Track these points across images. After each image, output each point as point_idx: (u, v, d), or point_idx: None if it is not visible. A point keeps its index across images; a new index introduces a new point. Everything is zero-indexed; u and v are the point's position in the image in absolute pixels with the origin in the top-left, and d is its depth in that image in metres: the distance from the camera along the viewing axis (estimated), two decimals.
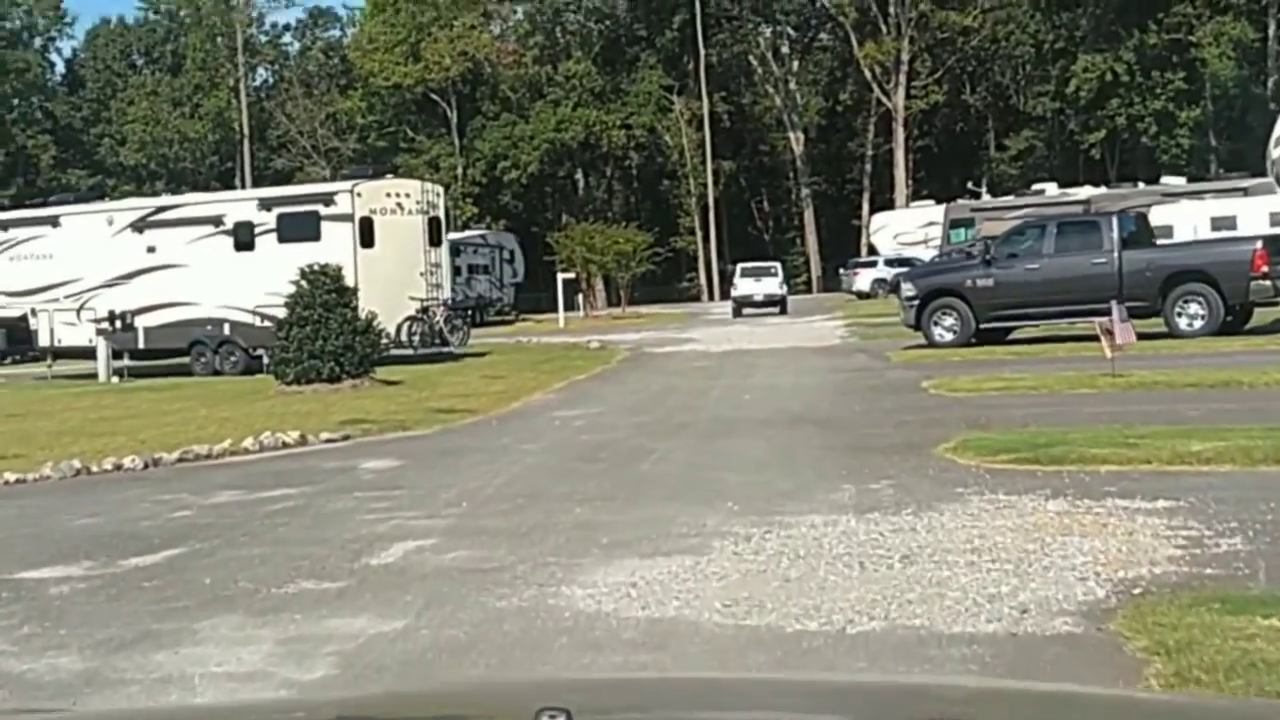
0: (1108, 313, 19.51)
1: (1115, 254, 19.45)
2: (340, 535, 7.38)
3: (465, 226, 57.42)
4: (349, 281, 23.31)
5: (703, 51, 75.29)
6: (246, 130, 72.52)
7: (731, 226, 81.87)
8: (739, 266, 46.68)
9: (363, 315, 19.26)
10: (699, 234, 77.66)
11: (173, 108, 73.50)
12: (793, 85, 78.70)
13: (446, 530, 7.40)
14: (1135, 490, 7.60)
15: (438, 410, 14.96)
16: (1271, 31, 56.35)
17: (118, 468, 10.81)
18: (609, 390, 17.14)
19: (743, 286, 44.26)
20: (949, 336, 20.32)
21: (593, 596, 5.69)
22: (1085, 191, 48.01)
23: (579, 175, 79.30)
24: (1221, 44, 55.02)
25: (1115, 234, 19.63)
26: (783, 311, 42.21)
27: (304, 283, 18.69)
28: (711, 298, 74.48)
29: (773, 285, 44.43)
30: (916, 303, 20.57)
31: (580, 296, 48.67)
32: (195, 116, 73.70)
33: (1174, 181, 48.89)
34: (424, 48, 71.35)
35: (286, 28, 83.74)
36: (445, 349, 24.56)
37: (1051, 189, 50.04)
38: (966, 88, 78.45)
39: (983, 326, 20.20)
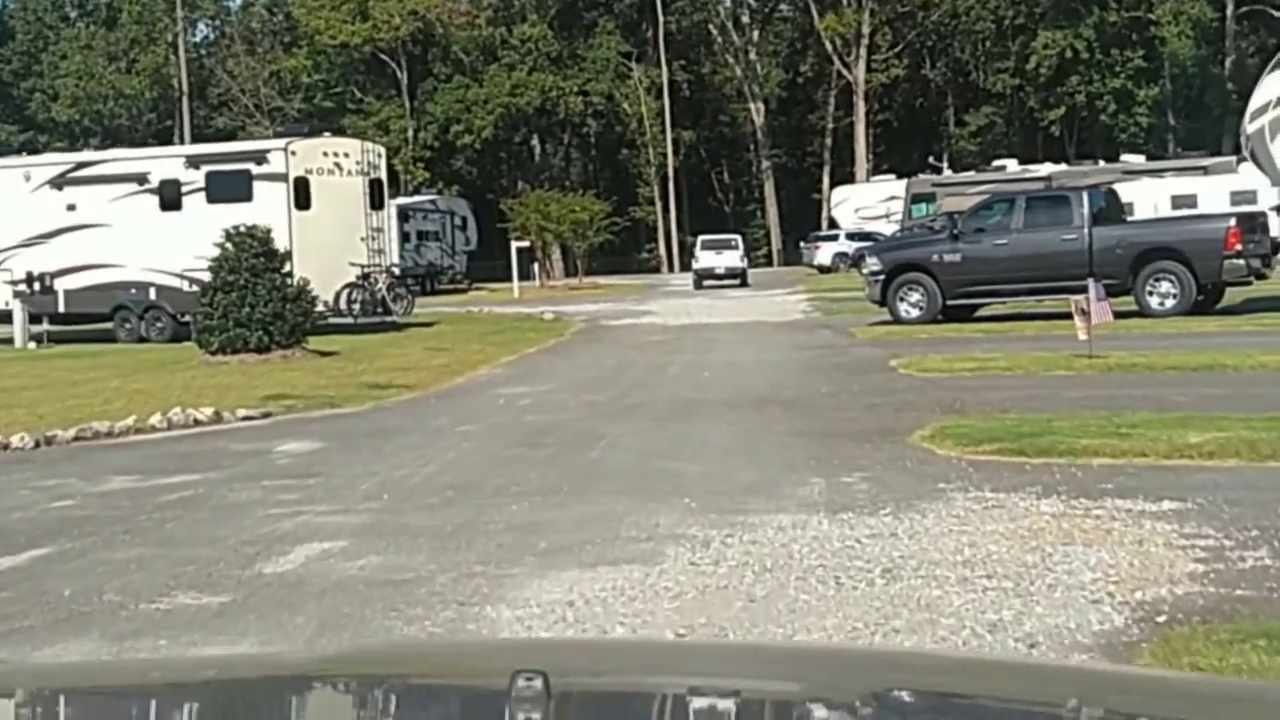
0: (1078, 290, 18.83)
1: (1085, 230, 18.69)
2: (236, 534, 6.41)
3: (416, 191, 56.00)
4: (283, 245, 22.21)
5: (661, 19, 74.08)
6: (186, 87, 70.51)
7: (692, 198, 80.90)
8: (699, 239, 46.59)
9: (295, 281, 18.16)
10: (658, 204, 76.63)
11: (108, 62, 71.25)
12: (753, 55, 77.68)
13: (360, 530, 6.44)
14: (1135, 488, 6.77)
15: (372, 385, 13.95)
16: (1229, 11, 55.98)
17: (4, 447, 9.73)
18: (560, 365, 16.18)
19: (704, 259, 44.34)
20: (915, 313, 19.51)
21: (522, 619, 4.78)
22: (1046, 168, 47.46)
23: (535, 142, 77.92)
24: (1180, 23, 54.60)
25: (1085, 210, 18.86)
26: (743, 284, 42.15)
27: (229, 245, 17.56)
28: (671, 269, 73.56)
29: (734, 258, 44.36)
30: (882, 278, 19.74)
31: (536, 266, 47.56)
32: (132, 72, 71.51)
33: (1134, 159, 48.43)
34: (372, 6, 69.59)
35: None
36: (388, 318, 23.46)
37: (1012, 165, 49.49)
38: (927, 63, 77.82)
39: (949, 303, 19.41)
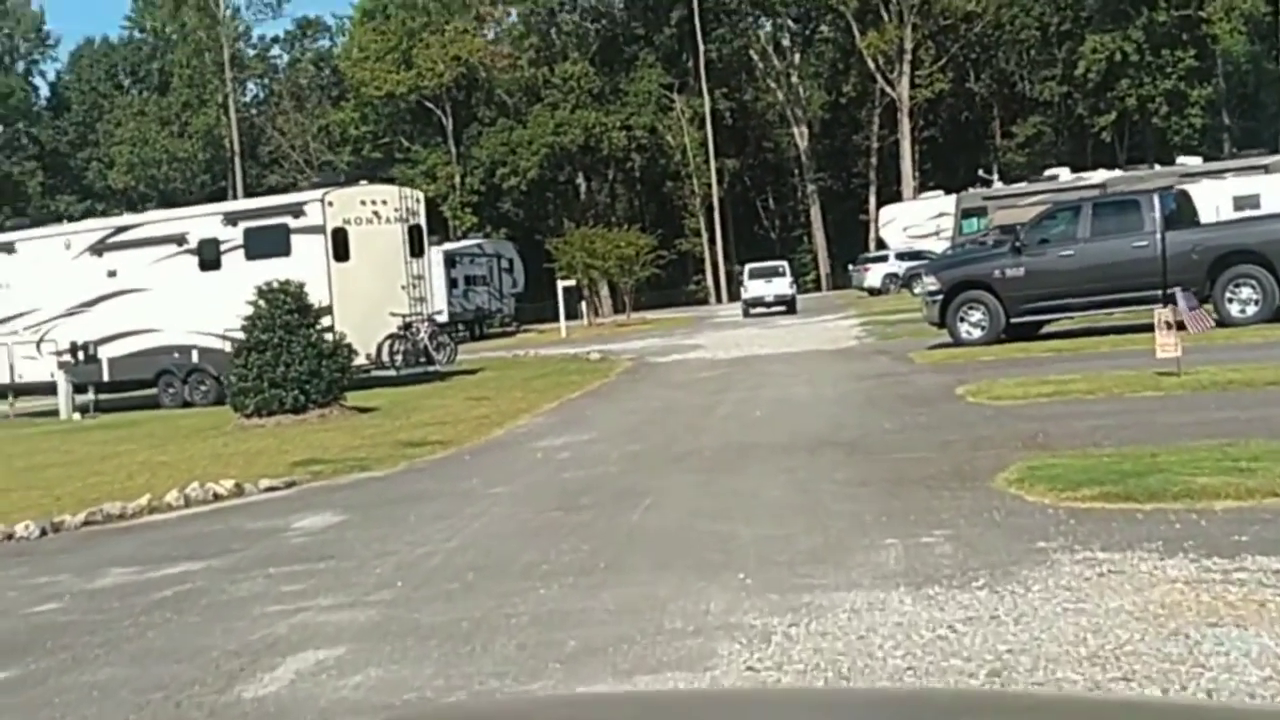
0: (1151, 301, 17.70)
1: (1158, 235, 17.57)
2: (224, 642, 5.56)
3: (464, 236, 55.59)
4: (322, 299, 21.62)
5: (702, 48, 73.54)
6: (238, 147, 70.91)
7: (737, 226, 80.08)
8: (747, 267, 46.42)
9: (332, 335, 17.47)
10: (704, 235, 75.88)
11: (161, 127, 71.90)
12: (795, 79, 76.97)
13: (364, 631, 5.57)
14: (1277, 540, 5.71)
15: (406, 444, 13.15)
16: None
17: (8, 537, 9.00)
18: (603, 411, 15.30)
19: (753, 288, 44.27)
20: (977, 333, 18.45)
21: None
22: (1099, 175, 46.08)
23: (580, 179, 77.56)
24: (1232, 19, 53.11)
25: (1157, 214, 17.74)
26: (792, 311, 42.03)
27: (262, 302, 16.90)
28: (719, 300, 72.69)
29: (783, 285, 43.95)
30: (940, 297, 18.71)
31: (583, 304, 46.85)
32: (184, 135, 72.13)
33: (1190, 161, 46.95)
34: (416, 54, 69.74)
35: (275, 40, 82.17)
36: (431, 368, 22.74)
37: (1064, 174, 48.17)
38: (971, 75, 76.67)
39: (1014, 321, 18.33)
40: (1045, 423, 10.12)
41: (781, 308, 41.96)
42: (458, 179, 73.02)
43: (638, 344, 31.50)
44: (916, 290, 45.14)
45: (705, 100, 73.89)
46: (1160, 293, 17.43)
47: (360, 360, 22.31)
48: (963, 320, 18.55)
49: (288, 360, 16.58)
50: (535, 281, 56.23)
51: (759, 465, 9.56)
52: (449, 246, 47.18)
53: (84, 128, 75.83)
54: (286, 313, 16.82)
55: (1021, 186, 47.50)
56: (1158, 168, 45.27)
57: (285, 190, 76.48)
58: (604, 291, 62.19)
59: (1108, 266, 17.66)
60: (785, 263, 47.43)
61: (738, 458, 10.08)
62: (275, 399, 16.58)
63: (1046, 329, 19.02)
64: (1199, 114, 55.76)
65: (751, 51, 77.47)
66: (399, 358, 22.37)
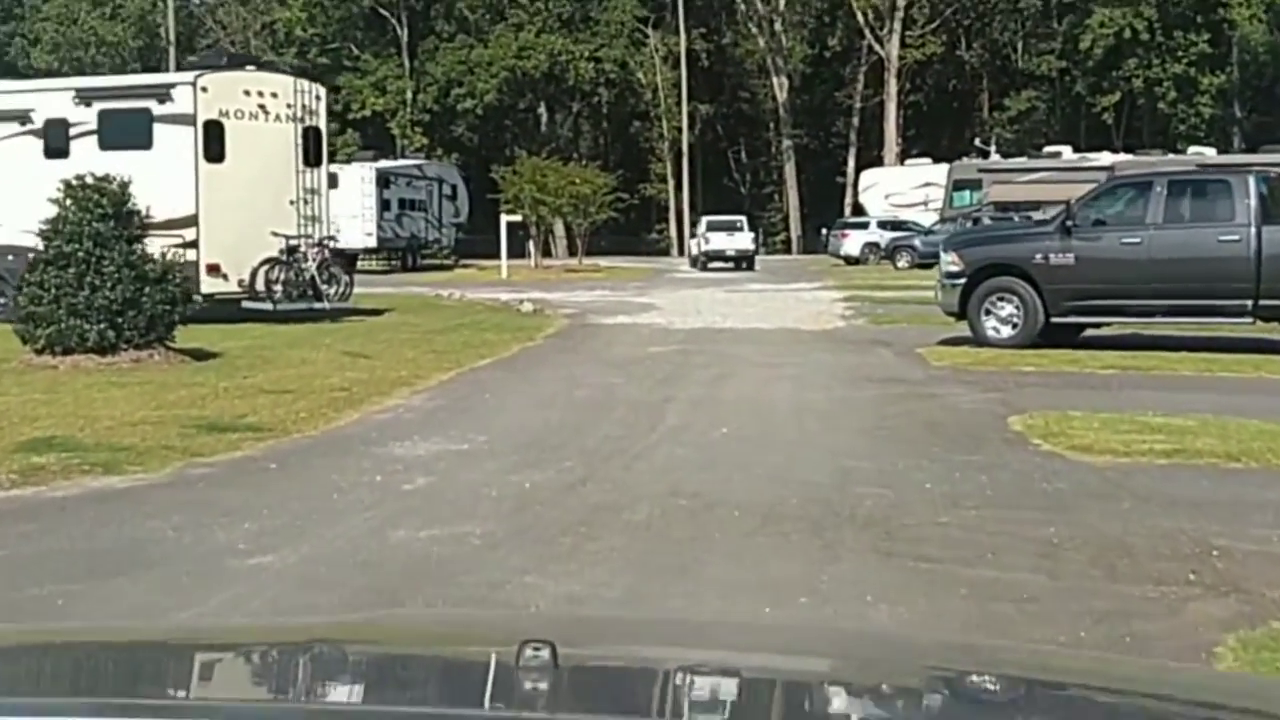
0: (1240, 314, 13.77)
1: (1252, 229, 13.59)
2: None
3: (403, 155, 50.75)
4: (184, 207, 17.23)
5: None
6: (173, 36, 65.36)
7: (706, 177, 75.69)
8: (705, 220, 44.46)
9: (161, 253, 13.21)
10: (670, 182, 71.47)
11: (92, 6, 66.16)
12: (778, 26, 72.35)
13: None
14: None
15: (208, 425, 8.94)
16: None
17: None
18: (508, 396, 11.12)
19: (714, 240, 42.29)
20: (1006, 332, 14.43)
21: None
22: (1108, 157, 42.29)
23: (542, 109, 72.75)
24: (1253, 4, 49.21)
25: (1252, 200, 13.74)
26: (750, 268, 40.06)
27: (69, 201, 12.54)
28: (681, 252, 68.37)
29: (745, 240, 42.68)
30: (961, 281, 14.65)
31: (531, 243, 42.44)
32: (116, 18, 66.49)
33: (1206, 152, 43.26)
34: None
35: None
36: (318, 305, 18.42)
37: (1067, 152, 44.35)
38: (963, 42, 72.51)
39: (1054, 320, 14.33)
40: (1201, 517, 6.10)
41: (743, 264, 40.62)
42: (409, 95, 68.08)
43: (583, 296, 27.29)
44: (900, 263, 41.46)
45: (681, 39, 69.26)
46: (1250, 304, 13.51)
47: (228, 287, 17.97)
48: (989, 313, 14.50)
49: (95, 282, 12.27)
50: (483, 213, 51.55)
51: (722, 558, 5.46)
52: (383, 164, 42.56)
53: (9, 0, 69.98)
54: (98, 219, 12.46)
55: (1020, 161, 43.62)
56: (1170, 155, 41.53)
57: None
58: (559, 231, 57.84)
59: (1184, 263, 13.67)
60: (744, 218, 45.83)
61: (687, 531, 5.98)
62: (74, 332, 12.28)
63: (1086, 333, 15.04)
64: (1208, 103, 51.95)
65: None
66: (278, 288, 18.02)
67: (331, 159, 51.95)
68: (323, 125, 19.54)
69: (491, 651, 1.83)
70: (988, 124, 69.89)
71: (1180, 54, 51.83)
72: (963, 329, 14.99)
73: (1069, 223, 14.16)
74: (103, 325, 12.33)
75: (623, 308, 22.96)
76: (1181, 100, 52.51)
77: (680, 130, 70.20)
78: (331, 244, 19.22)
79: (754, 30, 72.65)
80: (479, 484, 7.07)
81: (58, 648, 1.98)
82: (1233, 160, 39.51)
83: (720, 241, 42.05)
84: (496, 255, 46.64)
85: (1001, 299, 14.50)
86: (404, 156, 49.07)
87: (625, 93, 73.51)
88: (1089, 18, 54.27)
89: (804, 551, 5.64)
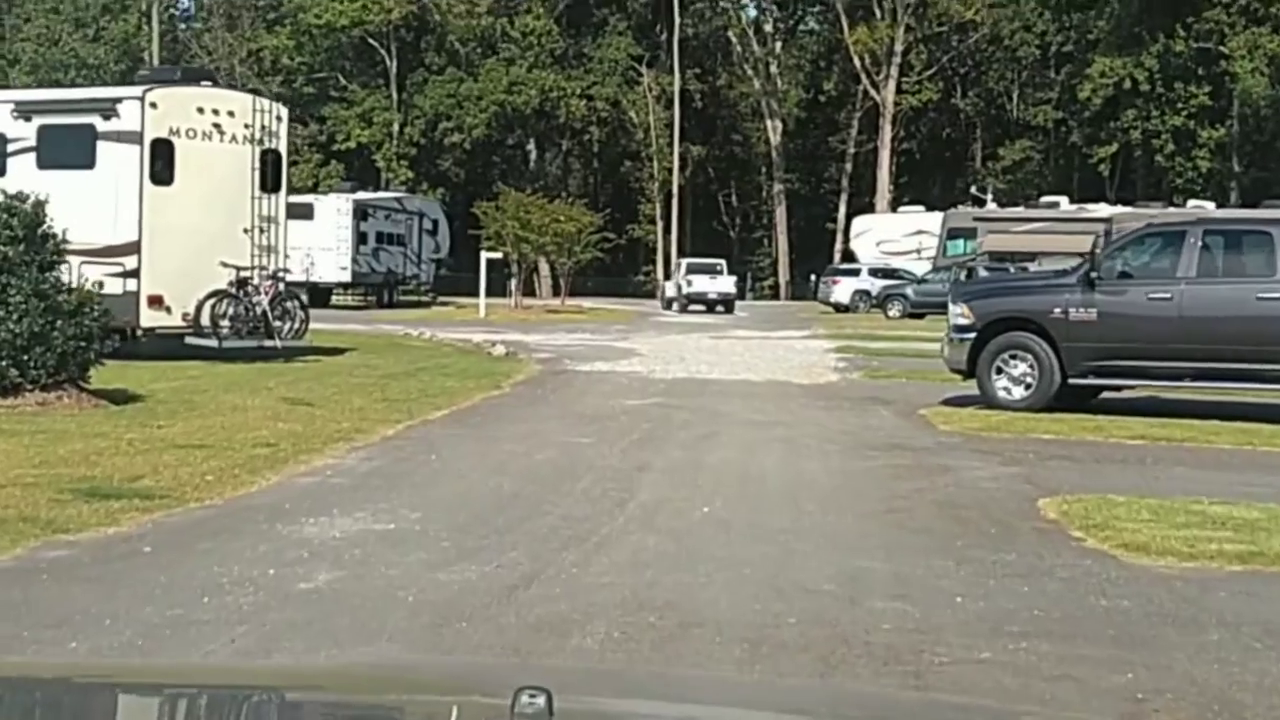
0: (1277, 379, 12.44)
1: None
2: None
3: (386, 187, 49.36)
4: (127, 233, 15.85)
5: (678, 21, 67.95)
6: (156, 61, 64.12)
7: (695, 219, 74.65)
8: (685, 262, 44.65)
9: (81, 281, 11.81)
10: (660, 224, 70.33)
11: (74, 28, 64.95)
12: (774, 68, 71.61)
13: None
14: None
15: (89, 490, 7.48)
16: None
17: None
18: (459, 458, 9.68)
19: (697, 283, 42.11)
20: (1019, 393, 13.07)
21: None
22: (1106, 209, 41.18)
23: (531, 146, 71.69)
24: (1256, 57, 48.32)
25: None
26: (729, 312, 40.59)
27: None
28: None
29: (727, 284, 43.13)
30: (971, 336, 13.29)
31: (513, 281, 41.09)
32: (99, 40, 65.25)
33: (1205, 205, 42.20)
34: None
35: None
36: (269, 344, 16.95)
37: (1064, 203, 43.25)
38: (958, 91, 71.79)
39: (1073, 382, 12.97)
40: None
41: (721, 308, 41.13)
42: (396, 127, 66.94)
43: (561, 339, 25.93)
44: (892, 312, 40.18)
45: (676, 79, 68.38)
46: None
47: (171, 321, 16.53)
48: (1000, 372, 13.14)
49: None
50: (466, 250, 50.23)
51: None
52: (361, 196, 41.21)
53: None
54: (6, 242, 11.03)
55: (1016, 211, 42.45)
56: (1171, 209, 40.41)
57: None
58: (544, 270, 56.51)
59: (1218, 322, 12.36)
60: (724, 261, 46.69)
61: (656, 665, 4.52)
62: None
63: (1102, 396, 13.68)
64: (1206, 156, 50.95)
65: (730, 33, 72.03)
66: (225, 324, 16.54)
67: (314, 190, 50.76)
68: (283, 148, 18.18)
69: (487, 699, 1.88)
70: (980, 174, 69.07)
71: (1180, 106, 50.91)
72: (968, 388, 13.63)
73: (1092, 274, 12.83)
74: (4, 363, 10.88)
75: (602, 353, 21.58)
76: (1179, 153, 51.55)
77: (671, 171, 69.15)
78: (286, 276, 17.74)
79: (749, 72, 71.83)
80: (395, 584, 5.63)
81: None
82: (1239, 214, 38.44)
83: (702, 284, 42.05)
84: (478, 293, 45.42)
85: (1015, 357, 13.14)
86: (387, 189, 47.68)
87: (616, 132, 72.49)
88: (1089, 67, 53.34)
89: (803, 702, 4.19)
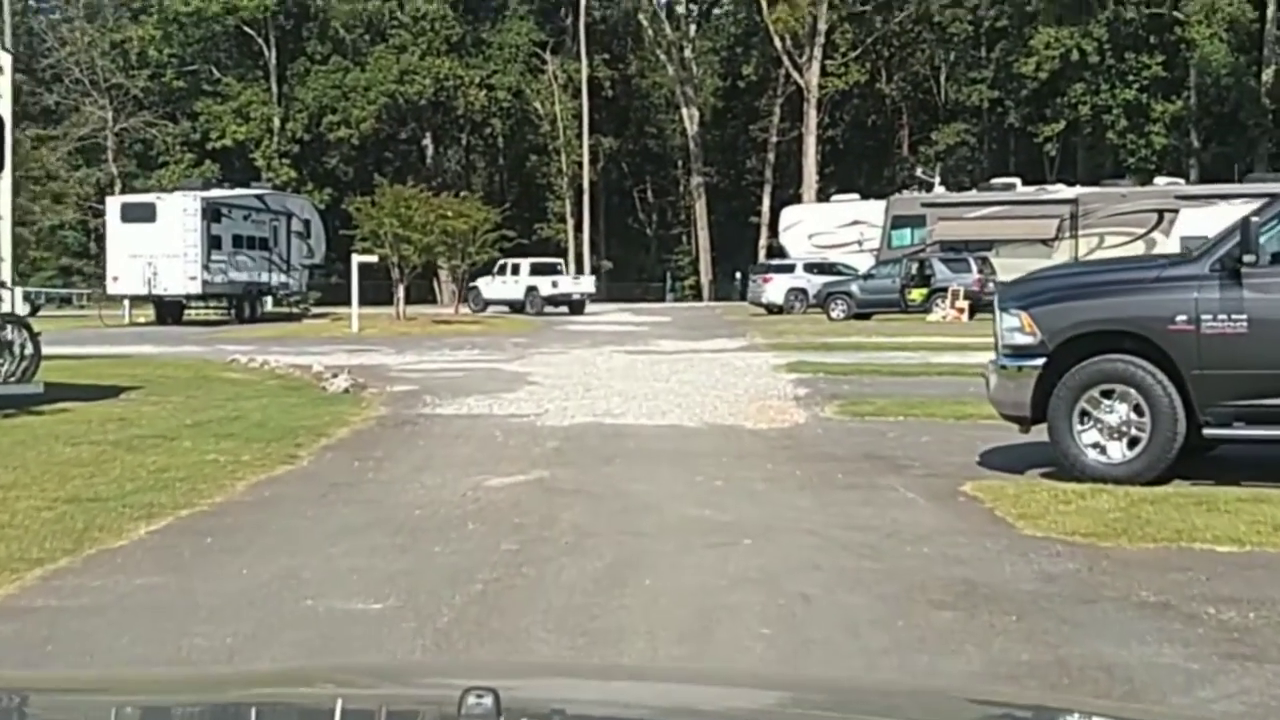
0: None
1: None
2: None
3: (246, 185, 43.21)
4: None
5: (583, 3, 62.74)
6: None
7: (610, 217, 69.49)
8: (528, 262, 41.91)
9: None
10: (570, 221, 65.00)
11: None
12: (688, 53, 66.65)
13: None
14: None
15: None
16: (1270, 12, 45.77)
17: None
18: (88, 659, 4.26)
19: (543, 287, 40.67)
20: (1118, 453, 8.08)
21: None
22: (1071, 190, 36.78)
23: (427, 141, 65.97)
24: (1214, 22, 44.35)
25: None
26: (580, 312, 39.61)
27: None
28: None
29: (588, 284, 43.19)
30: (1039, 364, 8.24)
31: (400, 289, 35.47)
32: None
33: (1174, 182, 38.01)
34: None
35: None
36: None
37: (1020, 185, 38.79)
38: (883, 75, 67.46)
39: (1209, 434, 7.97)
40: None
41: (565, 308, 40.17)
42: (276, 122, 60.95)
43: (437, 361, 20.62)
44: (835, 313, 35.10)
45: (583, 65, 63.18)
46: None
47: None
48: (1087, 418, 8.11)
49: None
50: (348, 254, 44.58)
51: None
52: (213, 194, 35.38)
53: None
54: None
55: (969, 195, 37.87)
56: (1142, 187, 36.14)
57: (66, 113, 63.46)
58: (444, 276, 50.98)
59: None
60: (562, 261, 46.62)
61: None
62: None
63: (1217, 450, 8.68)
64: (1161, 132, 46.84)
65: (641, 15, 66.94)
66: None
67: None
68: (6, 113, 12.67)
69: (435, 699, 1.83)
70: (909, 160, 64.86)
71: (1131, 78, 46.80)
72: (1016, 437, 8.63)
73: (1241, 258, 7.81)
74: None
75: (483, 382, 16.30)
76: (1132, 130, 47.40)
77: (581, 165, 63.93)
78: (2, 295, 12.22)
79: (662, 58, 66.85)
80: None
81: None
82: (1216, 191, 34.20)
83: (567, 285, 41.54)
84: (368, 303, 39.80)
85: (1110, 395, 8.11)
86: (242, 185, 41.69)
87: (521, 124, 67.09)
88: (1032, 39, 49.05)
89: None
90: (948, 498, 7.79)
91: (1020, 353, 8.36)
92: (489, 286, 40.97)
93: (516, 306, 39.52)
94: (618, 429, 11.41)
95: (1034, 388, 8.23)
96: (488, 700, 1.53)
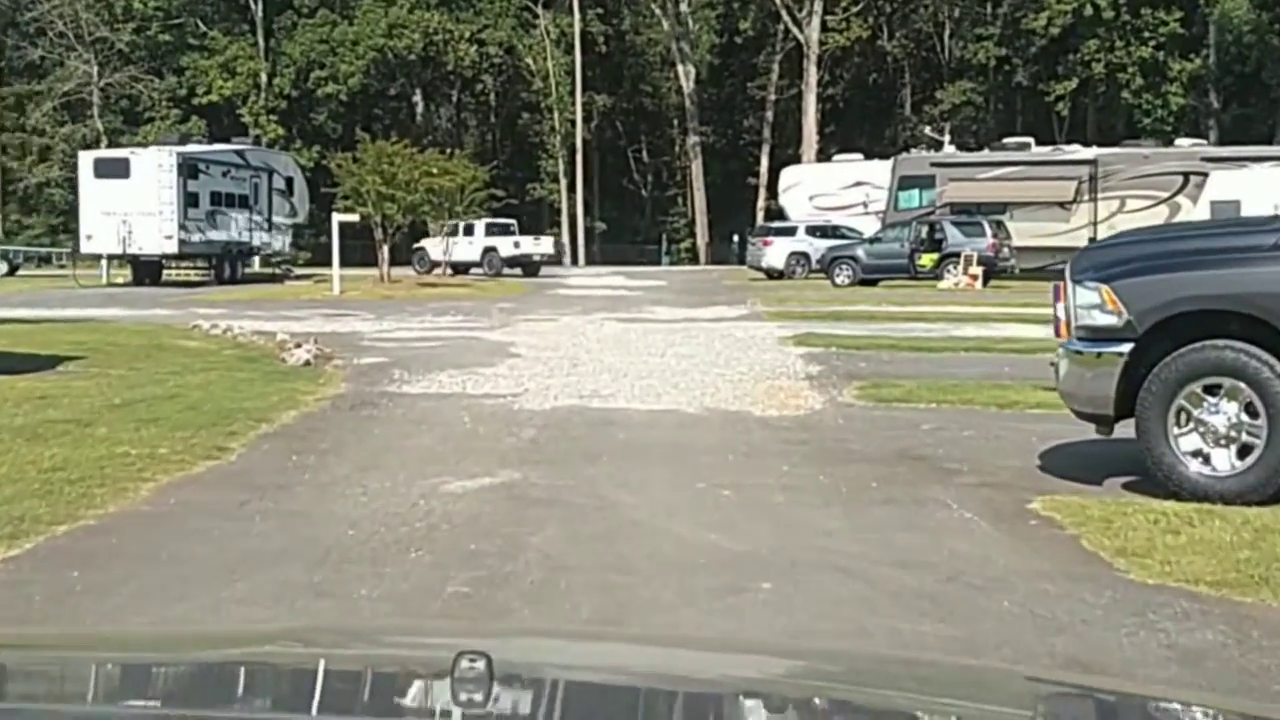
0: None
1: None
2: None
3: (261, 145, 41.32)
4: None
5: None
6: None
7: (604, 177, 67.65)
8: (484, 222, 39.41)
9: None
10: (563, 181, 63.16)
11: None
12: (684, 7, 64.58)
13: None
14: None
15: None
16: None
17: None
18: None
19: (504, 246, 39.31)
20: (1224, 465, 6.52)
21: None
22: (1090, 150, 35.08)
23: (417, 97, 64.07)
24: None
25: None
26: (534, 275, 38.39)
27: None
28: (575, 261, 60.22)
29: (548, 245, 42.14)
30: (1125, 350, 6.67)
31: (384, 250, 33.74)
32: None
33: (1198, 143, 36.34)
34: None
35: None
36: None
37: (1034, 145, 37.08)
38: (885, 32, 65.49)
39: None
40: None
41: (518, 269, 39.23)
42: (263, 78, 59.07)
43: (414, 329, 19.05)
44: (839, 279, 33.37)
45: (576, 19, 61.23)
46: None
47: None
48: (1187, 419, 6.55)
49: None
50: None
51: None
52: (190, 149, 33.66)
53: None
54: None
55: (981, 155, 36.13)
56: (1165, 147, 34.45)
57: (51, 68, 61.48)
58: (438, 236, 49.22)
59: None
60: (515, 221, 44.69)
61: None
62: None
63: None
64: (1178, 91, 45.01)
65: None
66: None
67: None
68: None
69: (427, 663, 1.86)
70: (910, 120, 63.04)
71: (1148, 35, 44.91)
72: (1091, 436, 7.09)
73: None
74: None
75: (461, 353, 14.76)
76: (1148, 89, 45.58)
77: (574, 124, 62.07)
78: None
79: (657, 12, 64.78)
80: None
81: None
82: (1247, 153, 32.54)
83: (529, 245, 40.26)
84: (354, 263, 38.19)
85: (1215, 390, 6.55)
86: (225, 141, 39.91)
87: (513, 80, 65.14)
88: None
89: None
90: (1015, 519, 6.25)
91: (1101, 336, 6.79)
92: (437, 248, 37.70)
93: (459, 269, 36.77)
94: (606, 415, 9.86)
95: (1118, 379, 6.66)
96: (480, 664, 1.54)
